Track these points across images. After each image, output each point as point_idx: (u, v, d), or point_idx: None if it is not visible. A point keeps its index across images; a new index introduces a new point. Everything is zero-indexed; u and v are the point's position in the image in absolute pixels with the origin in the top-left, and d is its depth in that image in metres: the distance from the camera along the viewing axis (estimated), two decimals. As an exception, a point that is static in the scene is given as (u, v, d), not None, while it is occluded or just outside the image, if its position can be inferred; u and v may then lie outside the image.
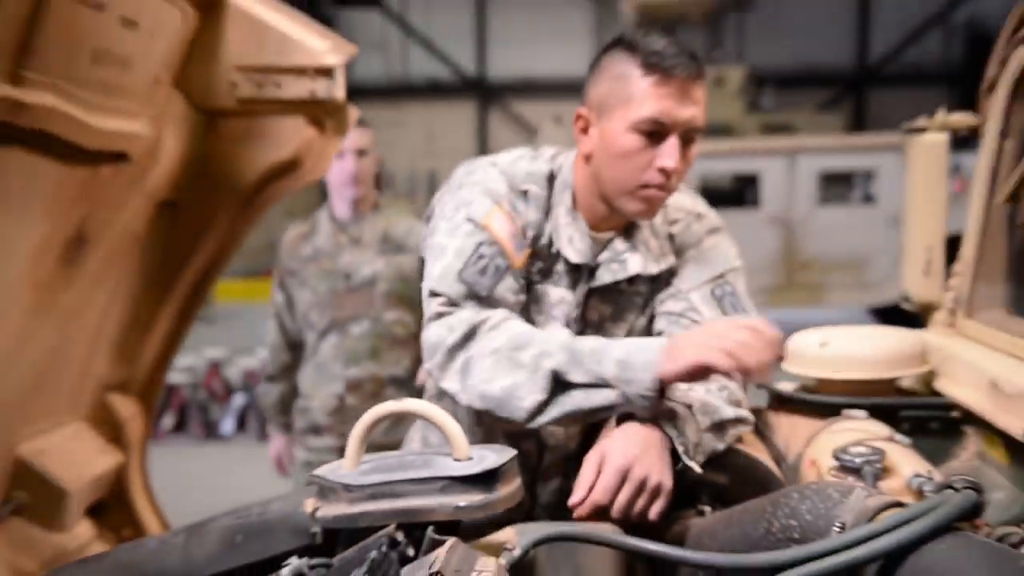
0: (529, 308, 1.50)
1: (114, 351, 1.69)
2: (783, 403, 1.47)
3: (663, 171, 1.37)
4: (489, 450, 1.04)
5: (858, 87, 17.80)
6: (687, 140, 1.39)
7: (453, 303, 1.40)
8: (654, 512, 1.19)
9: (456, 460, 1.02)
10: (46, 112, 1.27)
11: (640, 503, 1.18)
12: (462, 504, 0.97)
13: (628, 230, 1.51)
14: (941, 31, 17.35)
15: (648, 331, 1.53)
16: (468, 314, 1.38)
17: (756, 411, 1.45)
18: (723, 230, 1.56)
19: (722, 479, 1.23)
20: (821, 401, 1.38)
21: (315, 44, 1.58)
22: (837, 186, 8.39)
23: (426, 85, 18.16)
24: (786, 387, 1.52)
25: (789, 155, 8.08)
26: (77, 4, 1.26)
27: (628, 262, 1.49)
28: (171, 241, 1.66)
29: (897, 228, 7.50)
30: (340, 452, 2.71)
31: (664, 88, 1.35)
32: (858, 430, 1.24)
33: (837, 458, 1.12)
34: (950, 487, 0.85)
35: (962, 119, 1.71)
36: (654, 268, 1.50)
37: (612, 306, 1.51)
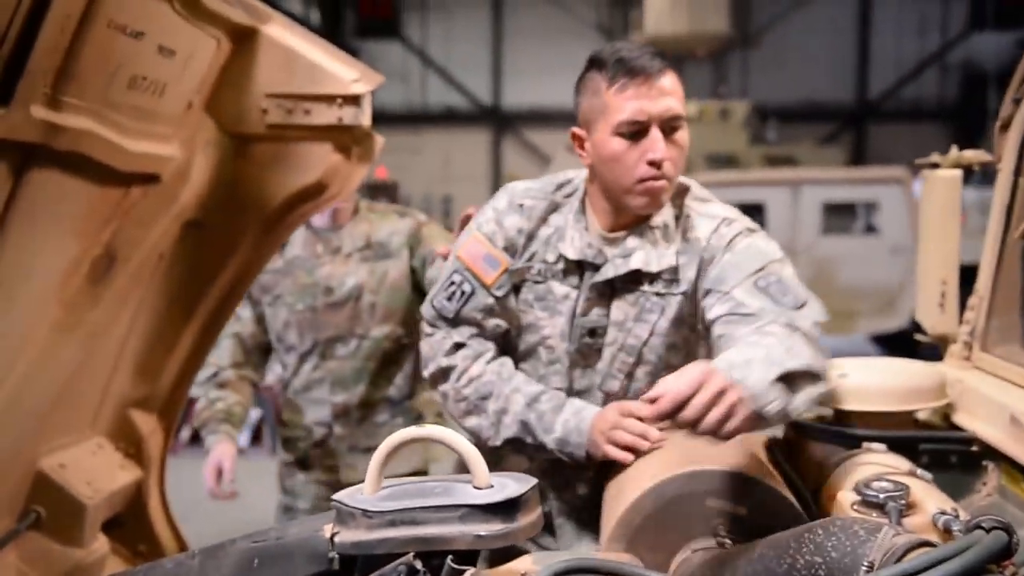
0: (534, 305, 1.67)
1: (137, 368, 1.71)
2: (800, 433, 1.48)
3: (653, 163, 1.51)
4: (510, 478, 1.04)
5: (858, 122, 18.07)
6: (671, 129, 1.53)
7: (431, 324, 1.70)
8: (729, 427, 1.15)
9: (476, 488, 1.02)
10: (82, 135, 1.30)
11: (716, 413, 1.14)
12: (482, 533, 0.97)
13: (640, 230, 1.61)
14: (938, 69, 17.66)
15: (676, 334, 1.61)
16: (438, 339, 1.68)
17: (773, 440, 1.47)
18: (758, 232, 1.61)
19: (741, 510, 1.24)
20: (840, 432, 1.39)
21: (344, 73, 1.61)
22: (840, 217, 8.43)
23: (443, 113, 18.49)
24: (803, 417, 1.53)
25: (793, 186, 8.14)
26: (117, 32, 1.29)
27: (632, 258, 1.59)
28: (197, 261, 1.68)
29: (899, 258, 7.52)
30: (326, 486, 2.49)
31: (631, 91, 1.51)
32: (879, 464, 1.25)
33: (860, 492, 1.12)
34: (980, 527, 0.85)
35: (976, 155, 1.74)
36: (655, 266, 1.59)
37: (634, 307, 1.61)
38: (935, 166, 1.75)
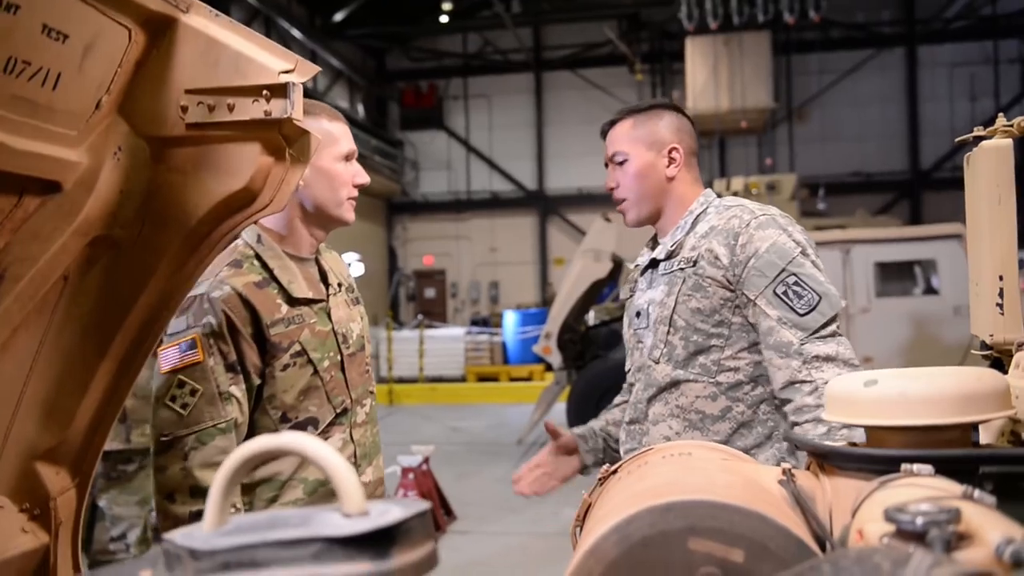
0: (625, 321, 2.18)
1: (42, 413, 1.47)
2: (823, 462, 1.15)
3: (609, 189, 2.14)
4: (397, 504, 0.76)
5: (912, 191, 17.75)
6: (618, 162, 2.08)
7: None
8: None
9: (346, 516, 0.74)
10: (-57, 124, 1.11)
11: None
12: None
13: (674, 229, 2.04)
14: (995, 133, 17.28)
15: (697, 299, 1.92)
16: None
17: (788, 473, 1.14)
18: (775, 224, 1.85)
19: (736, 554, 0.92)
20: (871, 455, 1.06)
21: (272, 62, 1.42)
22: (897, 279, 7.99)
23: (487, 199, 18.82)
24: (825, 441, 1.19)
25: (843, 248, 7.76)
26: (-22, -1, 1.11)
27: (655, 251, 2.06)
28: (110, 284, 1.46)
29: (963, 318, 7.03)
30: None
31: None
32: (922, 486, 0.92)
33: (892, 519, 0.80)
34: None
35: (1033, 118, 1.43)
36: (663, 253, 2.01)
37: (668, 284, 1.96)
38: (980, 139, 1.45)
